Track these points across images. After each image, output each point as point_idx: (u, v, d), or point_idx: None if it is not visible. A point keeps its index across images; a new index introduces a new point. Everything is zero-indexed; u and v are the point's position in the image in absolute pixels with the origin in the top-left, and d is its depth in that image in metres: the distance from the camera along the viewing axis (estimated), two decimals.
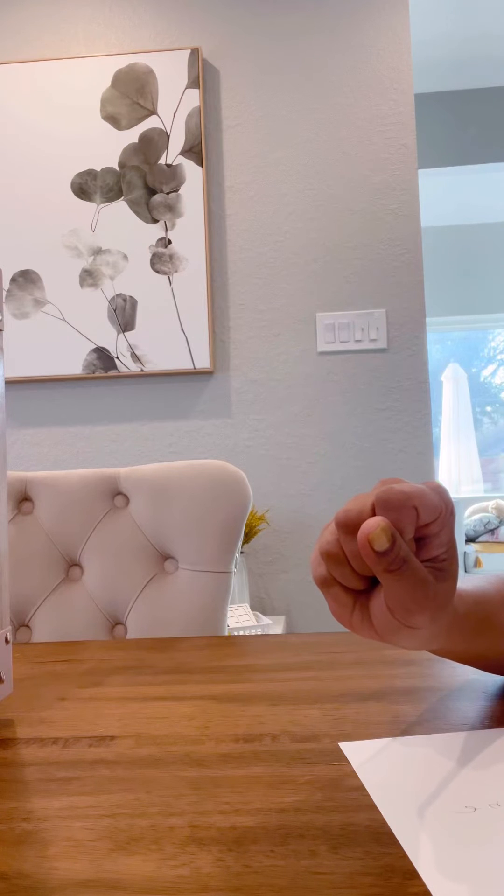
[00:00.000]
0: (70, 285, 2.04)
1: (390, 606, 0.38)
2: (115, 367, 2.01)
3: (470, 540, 4.31)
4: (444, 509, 0.38)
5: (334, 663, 0.60)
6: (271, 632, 1.76)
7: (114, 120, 2.06)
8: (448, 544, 0.39)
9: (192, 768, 0.39)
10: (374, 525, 0.36)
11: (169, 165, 2.04)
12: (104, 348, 2.02)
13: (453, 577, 0.39)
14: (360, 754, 0.39)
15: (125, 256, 2.03)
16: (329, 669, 0.58)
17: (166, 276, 2.02)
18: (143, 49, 2.11)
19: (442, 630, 0.40)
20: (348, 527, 0.38)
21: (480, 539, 4.29)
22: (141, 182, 2.04)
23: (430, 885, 0.26)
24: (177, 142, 2.04)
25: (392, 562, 0.36)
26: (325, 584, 0.40)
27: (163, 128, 2.04)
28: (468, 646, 0.44)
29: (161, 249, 2.02)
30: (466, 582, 0.46)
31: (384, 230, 2.03)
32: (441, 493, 0.38)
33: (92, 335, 2.02)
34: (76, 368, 2.02)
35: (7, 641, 0.51)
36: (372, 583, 0.40)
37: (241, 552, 1.91)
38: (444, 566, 0.39)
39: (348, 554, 0.38)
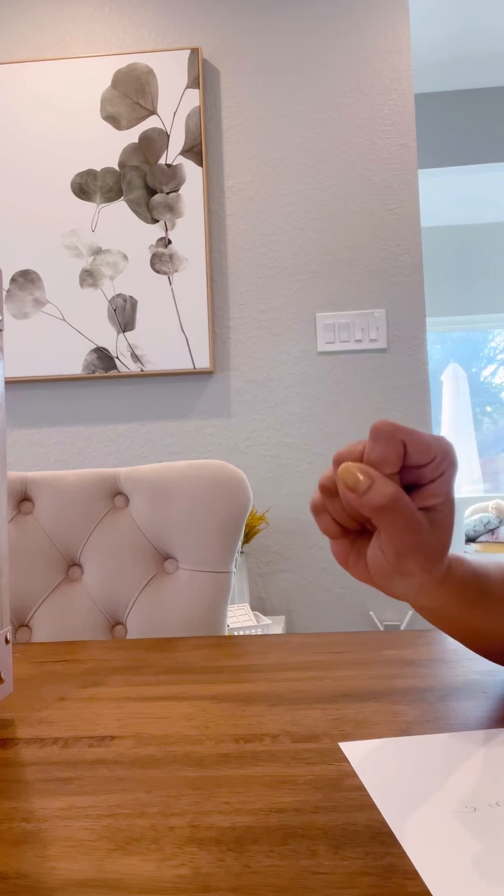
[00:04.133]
0: (70, 285, 2.04)
1: (383, 548, 0.39)
2: (115, 367, 2.01)
3: (470, 540, 4.30)
4: (438, 454, 0.39)
5: (334, 663, 0.60)
6: (271, 632, 1.76)
7: (114, 120, 2.06)
8: (445, 496, 0.40)
9: (192, 768, 0.39)
10: (344, 465, 0.38)
11: (169, 165, 2.04)
12: (104, 348, 2.02)
13: (447, 528, 0.40)
14: (360, 754, 0.39)
15: (125, 256, 2.03)
16: (329, 669, 0.58)
17: (166, 276, 2.02)
18: (143, 49, 2.11)
19: (434, 583, 0.41)
20: (339, 464, 0.40)
21: (480, 539, 4.29)
22: (141, 182, 2.04)
23: (430, 885, 0.26)
24: (177, 142, 2.04)
25: (372, 500, 0.37)
26: (317, 511, 0.42)
27: (163, 128, 2.04)
28: (462, 613, 0.44)
29: (161, 249, 2.02)
30: (470, 557, 0.46)
31: (384, 230, 2.03)
32: (440, 440, 0.39)
33: (92, 335, 2.02)
34: (76, 368, 2.02)
35: (7, 641, 0.51)
36: (367, 526, 0.42)
37: (241, 552, 1.91)
38: (439, 517, 0.39)
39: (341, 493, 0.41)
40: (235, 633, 1.66)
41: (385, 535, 0.38)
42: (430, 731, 0.42)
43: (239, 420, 2.03)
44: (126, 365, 2.01)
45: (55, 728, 0.46)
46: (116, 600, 0.95)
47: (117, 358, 2.01)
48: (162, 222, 2.03)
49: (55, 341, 2.03)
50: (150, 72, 2.05)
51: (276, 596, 1.98)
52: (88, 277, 2.04)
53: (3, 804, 0.35)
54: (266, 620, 1.76)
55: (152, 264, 2.02)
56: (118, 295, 2.03)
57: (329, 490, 0.41)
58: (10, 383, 2.06)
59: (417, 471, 0.39)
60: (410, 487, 0.40)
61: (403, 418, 1.99)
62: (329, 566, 1.98)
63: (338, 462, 0.40)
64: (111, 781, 0.38)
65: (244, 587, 1.89)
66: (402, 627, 1.94)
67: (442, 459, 0.39)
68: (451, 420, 4.95)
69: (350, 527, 0.42)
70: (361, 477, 0.38)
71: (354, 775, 0.37)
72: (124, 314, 2.02)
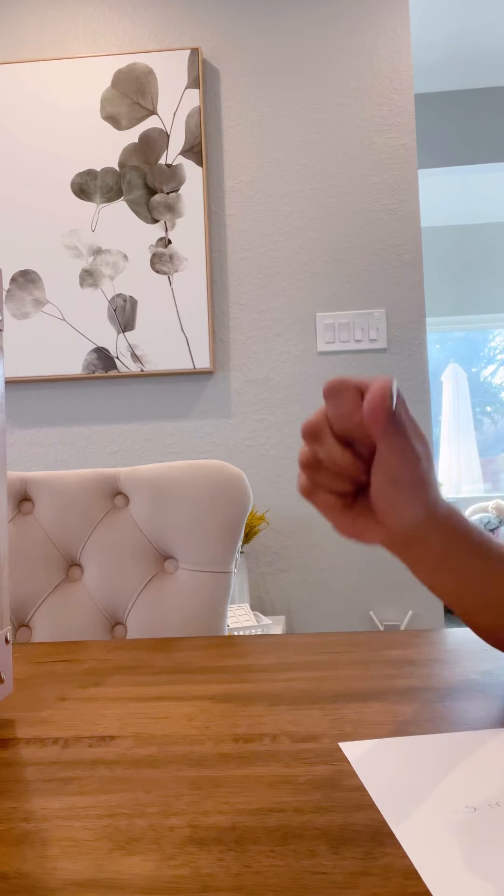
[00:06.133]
0: (70, 285, 2.04)
1: (386, 472, 0.41)
2: (115, 367, 2.01)
3: None
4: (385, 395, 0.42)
5: (334, 663, 0.60)
6: (271, 632, 1.76)
7: (114, 120, 2.06)
8: (411, 425, 0.43)
9: (192, 768, 0.39)
10: (383, 385, 0.40)
11: (169, 165, 2.04)
12: (104, 348, 2.02)
13: (427, 456, 0.43)
14: (360, 754, 0.39)
15: (125, 256, 2.03)
16: (329, 669, 0.58)
17: (166, 276, 2.02)
18: (143, 49, 2.11)
19: (426, 515, 0.44)
20: (312, 432, 0.42)
21: None
22: (141, 182, 2.04)
23: (430, 885, 0.26)
24: (177, 142, 2.04)
25: (391, 420, 0.40)
26: (309, 491, 0.43)
27: (163, 128, 2.04)
28: (464, 565, 0.46)
29: (161, 249, 2.02)
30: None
31: (384, 230, 2.03)
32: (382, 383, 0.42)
33: (92, 335, 2.02)
34: (76, 368, 2.02)
35: (7, 641, 0.51)
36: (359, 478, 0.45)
37: (241, 552, 1.91)
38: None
39: (324, 458, 0.42)
40: (235, 633, 1.66)
41: (390, 455, 0.41)
42: (430, 731, 0.42)
43: (239, 420, 2.03)
44: (126, 365, 2.01)
45: (55, 728, 0.46)
46: (116, 600, 0.95)
47: (117, 358, 2.01)
48: (162, 222, 2.03)
49: (55, 341, 2.03)
50: (150, 72, 2.05)
51: (276, 596, 1.98)
52: (88, 277, 2.04)
53: (3, 804, 0.35)
54: (266, 620, 1.76)
55: (152, 264, 2.02)
56: (118, 295, 2.03)
57: (312, 463, 0.42)
58: (10, 383, 2.06)
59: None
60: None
61: None
62: (329, 566, 1.98)
63: (311, 433, 0.42)
64: (111, 781, 0.38)
65: (244, 587, 1.89)
66: (402, 627, 1.94)
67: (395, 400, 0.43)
68: (451, 420, 4.95)
69: (345, 489, 0.43)
70: (391, 397, 0.40)
71: (354, 775, 0.37)
72: (124, 314, 2.02)
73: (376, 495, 0.42)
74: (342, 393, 0.40)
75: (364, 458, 0.43)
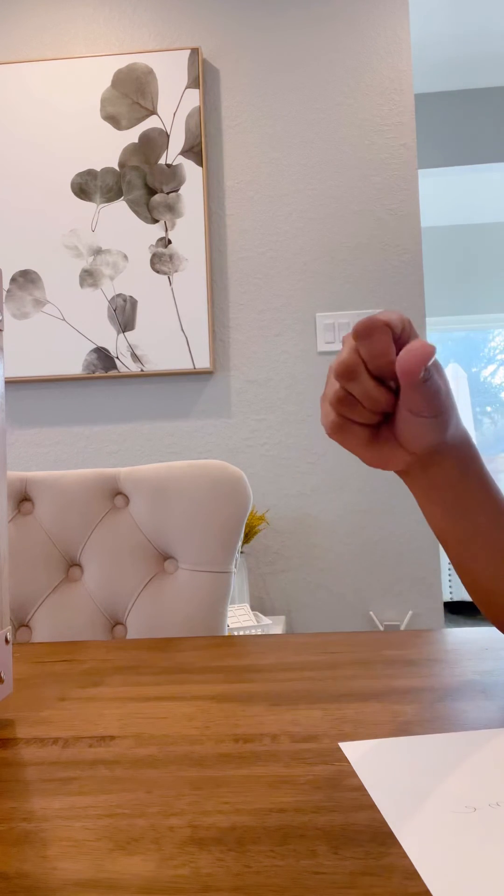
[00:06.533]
0: (70, 285, 2.04)
1: (411, 406, 0.43)
2: (115, 367, 2.01)
3: None
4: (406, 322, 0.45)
5: (334, 663, 0.60)
6: (271, 632, 1.76)
7: (114, 120, 2.06)
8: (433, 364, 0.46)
9: (192, 768, 0.39)
10: (427, 349, 0.41)
11: (169, 165, 2.04)
12: (104, 348, 2.02)
13: (446, 386, 0.46)
14: (361, 754, 0.39)
15: (125, 256, 2.03)
16: (329, 669, 0.58)
17: (166, 276, 2.02)
18: (143, 49, 2.11)
19: (446, 440, 0.46)
20: (348, 372, 0.43)
21: None
22: (141, 182, 2.04)
23: (430, 885, 0.26)
24: (177, 142, 2.04)
25: (425, 375, 0.42)
26: (340, 429, 0.44)
27: (163, 128, 2.04)
28: (475, 490, 0.48)
29: (161, 249, 2.02)
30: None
31: (384, 230, 2.03)
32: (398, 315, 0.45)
33: (92, 335, 2.02)
34: (76, 368, 2.02)
35: (7, 641, 0.51)
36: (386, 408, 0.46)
37: (241, 552, 1.91)
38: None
39: (359, 395, 0.43)
40: (235, 633, 1.66)
41: (418, 397, 0.43)
42: (430, 731, 0.42)
43: (239, 420, 2.03)
44: (126, 365, 2.01)
45: (55, 728, 0.46)
46: (116, 600, 0.95)
47: (117, 358, 2.01)
48: (162, 222, 2.03)
49: (55, 341, 2.03)
50: (150, 72, 2.05)
51: (276, 596, 1.98)
52: (88, 277, 2.04)
53: (3, 804, 0.35)
54: (266, 620, 1.76)
55: (152, 264, 2.02)
56: (118, 295, 2.03)
57: (344, 400, 0.43)
58: (10, 383, 2.06)
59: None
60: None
61: None
62: (329, 566, 1.98)
63: (347, 372, 0.42)
64: (111, 781, 0.38)
65: (244, 587, 1.89)
66: (402, 627, 1.94)
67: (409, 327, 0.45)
68: None
69: (374, 421, 0.45)
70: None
71: (354, 775, 0.37)
72: (124, 314, 2.02)
73: (401, 425, 0.45)
74: (375, 333, 0.42)
75: (392, 389, 0.45)
